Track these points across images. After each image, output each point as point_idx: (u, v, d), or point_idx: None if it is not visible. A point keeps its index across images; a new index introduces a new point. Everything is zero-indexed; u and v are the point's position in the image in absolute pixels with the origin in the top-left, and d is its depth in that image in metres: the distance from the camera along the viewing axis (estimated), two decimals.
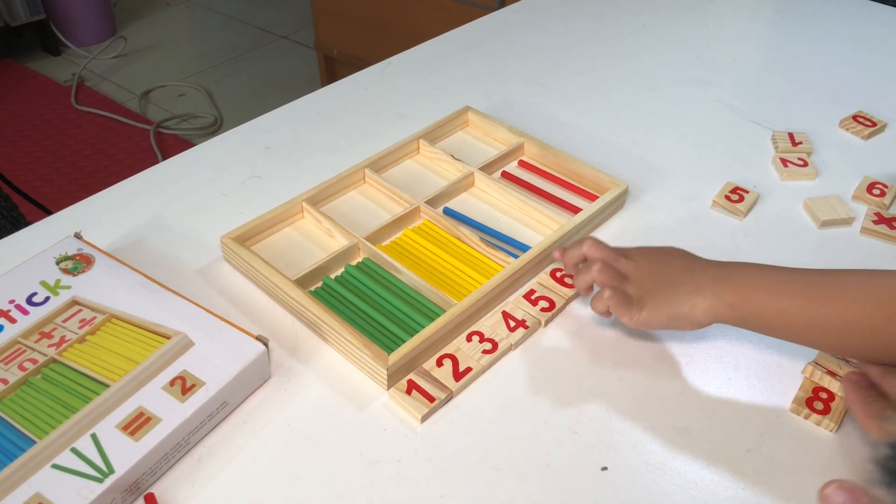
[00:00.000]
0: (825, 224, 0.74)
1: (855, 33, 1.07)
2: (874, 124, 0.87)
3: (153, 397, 0.54)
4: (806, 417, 0.57)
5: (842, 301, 0.54)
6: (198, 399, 0.54)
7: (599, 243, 0.63)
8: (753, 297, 0.56)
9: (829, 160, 0.83)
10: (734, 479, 0.53)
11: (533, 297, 0.66)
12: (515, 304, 0.66)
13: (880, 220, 0.74)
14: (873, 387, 0.54)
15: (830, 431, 0.56)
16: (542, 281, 0.68)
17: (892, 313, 0.52)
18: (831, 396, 0.58)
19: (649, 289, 0.59)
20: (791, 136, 0.85)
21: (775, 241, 0.73)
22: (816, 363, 0.60)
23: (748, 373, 0.60)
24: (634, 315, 0.59)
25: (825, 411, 0.57)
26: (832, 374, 0.59)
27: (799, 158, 0.82)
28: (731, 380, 0.60)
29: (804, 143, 0.84)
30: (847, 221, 0.74)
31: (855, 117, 0.89)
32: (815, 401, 0.57)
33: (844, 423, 0.56)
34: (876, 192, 0.77)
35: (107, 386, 0.54)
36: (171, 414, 0.53)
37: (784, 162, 0.81)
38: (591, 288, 0.62)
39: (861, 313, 0.53)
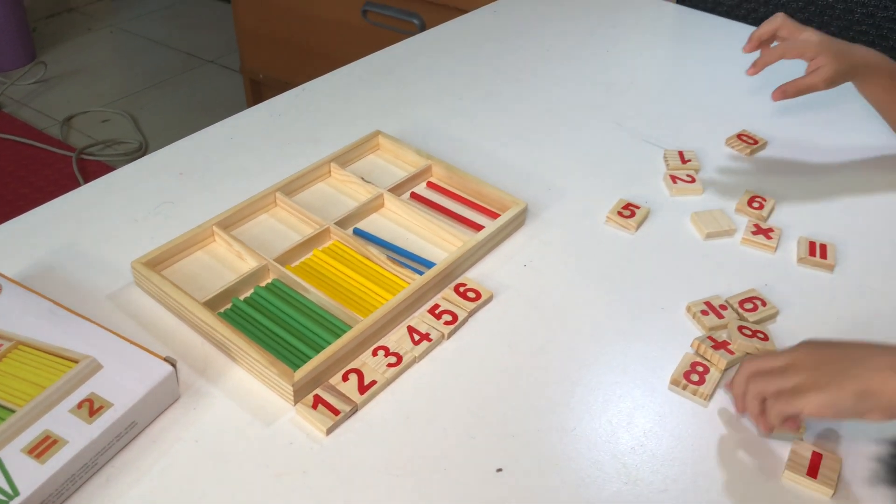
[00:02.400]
0: (710, 236, 0.80)
1: (742, 58, 1.14)
2: (756, 142, 0.94)
3: (60, 420, 0.55)
4: (683, 388, 0.63)
5: None
6: (105, 420, 0.55)
7: (751, 359, 0.59)
8: None
9: (715, 176, 0.89)
10: (618, 475, 0.57)
11: (437, 312, 0.70)
12: (420, 318, 0.69)
13: (758, 230, 0.80)
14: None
15: (704, 400, 0.63)
16: (446, 296, 0.71)
17: None
18: (706, 369, 0.65)
19: (825, 369, 0.53)
20: (681, 154, 0.91)
21: (663, 253, 0.78)
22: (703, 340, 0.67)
23: (635, 376, 0.65)
24: (812, 399, 0.52)
25: (700, 382, 0.63)
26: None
27: (687, 175, 0.88)
28: (617, 383, 0.64)
29: (693, 161, 0.90)
30: (729, 233, 0.80)
31: (739, 136, 0.95)
32: (692, 373, 0.64)
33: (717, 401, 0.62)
34: (756, 205, 0.83)
35: (12, 411, 0.55)
36: (78, 436, 0.54)
37: (674, 178, 0.87)
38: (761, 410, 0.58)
39: None
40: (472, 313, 0.70)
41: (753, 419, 0.58)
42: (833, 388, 0.52)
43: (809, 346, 0.57)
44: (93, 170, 2.14)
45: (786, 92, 0.84)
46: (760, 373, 0.56)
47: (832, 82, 0.84)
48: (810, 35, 0.84)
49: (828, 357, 0.54)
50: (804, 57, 0.84)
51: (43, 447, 0.53)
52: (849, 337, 0.68)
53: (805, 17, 1.24)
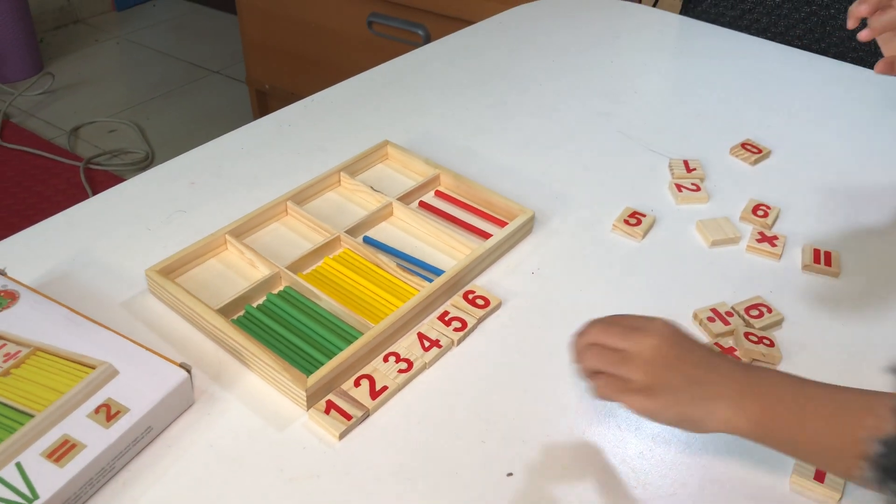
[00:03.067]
0: (715, 244, 0.81)
1: (745, 68, 1.16)
2: (760, 151, 0.95)
3: (78, 425, 0.56)
4: None
5: (874, 421, 0.47)
6: (122, 425, 0.56)
7: (597, 325, 0.57)
8: (781, 414, 0.50)
9: (720, 185, 0.90)
10: (627, 479, 0.58)
11: (447, 318, 0.70)
12: (430, 325, 0.70)
13: (763, 238, 0.81)
14: None
15: None
16: (455, 303, 0.72)
17: None
18: None
19: (660, 377, 0.53)
20: (686, 163, 0.92)
21: (670, 261, 0.79)
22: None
23: None
24: (638, 401, 0.53)
25: None
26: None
27: (692, 184, 0.89)
28: None
29: (697, 170, 0.91)
30: (734, 241, 0.81)
31: (743, 145, 0.96)
32: None
33: None
34: (760, 213, 0.84)
35: (31, 416, 0.56)
36: (96, 440, 0.55)
37: (679, 187, 0.88)
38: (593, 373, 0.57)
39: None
40: (481, 320, 0.71)
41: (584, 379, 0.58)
42: (661, 401, 0.52)
43: (660, 337, 0.54)
44: (100, 179, 2.16)
45: (893, 65, 0.76)
46: (602, 346, 0.55)
47: None
48: None
49: (670, 364, 0.53)
50: None
51: (62, 451, 0.54)
52: (853, 343, 0.69)
53: (807, 27, 1.26)
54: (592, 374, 0.56)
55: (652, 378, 0.53)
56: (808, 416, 0.50)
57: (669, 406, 0.52)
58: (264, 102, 2.24)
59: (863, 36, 0.78)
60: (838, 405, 0.50)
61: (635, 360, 0.54)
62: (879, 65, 0.76)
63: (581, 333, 0.58)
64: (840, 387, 0.51)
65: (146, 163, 2.26)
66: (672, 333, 0.54)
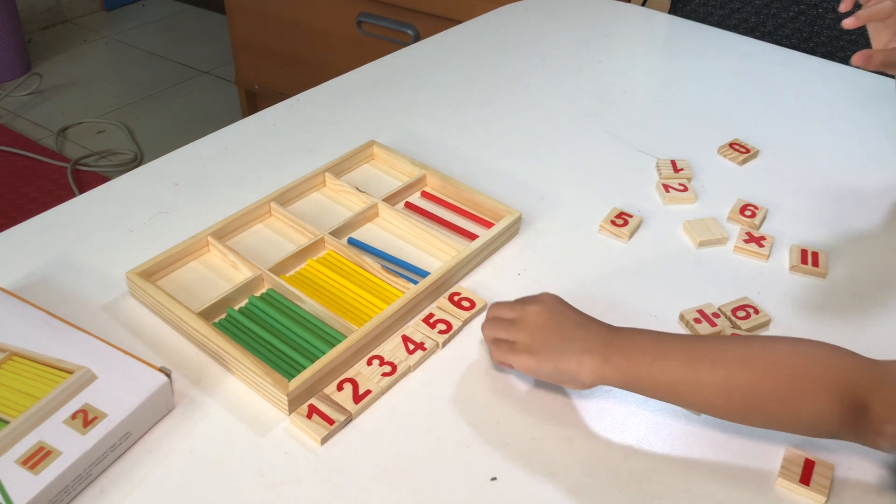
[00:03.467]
0: (702, 244, 0.80)
1: (733, 67, 1.15)
2: (748, 151, 0.95)
3: (54, 431, 0.55)
4: None
5: (722, 361, 0.56)
6: (99, 431, 0.55)
7: (496, 304, 0.66)
8: (639, 358, 0.58)
9: (708, 185, 0.90)
10: (612, 483, 0.57)
11: (432, 321, 0.70)
12: (415, 327, 0.69)
13: (750, 239, 0.80)
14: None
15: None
16: (440, 305, 0.71)
17: (765, 369, 0.56)
18: None
19: (541, 337, 0.61)
20: (673, 163, 0.92)
21: (656, 262, 0.78)
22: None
23: None
24: (523, 360, 0.61)
25: None
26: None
27: (680, 184, 0.88)
28: (610, 391, 0.64)
29: (685, 170, 0.91)
30: (721, 241, 0.81)
31: (731, 145, 0.96)
32: None
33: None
34: (748, 213, 0.84)
35: (6, 423, 0.55)
36: (73, 447, 0.54)
37: (666, 187, 0.87)
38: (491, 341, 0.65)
39: (740, 371, 0.56)
40: (466, 322, 0.70)
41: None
42: (540, 357, 0.60)
43: (542, 305, 0.63)
44: (88, 180, 2.14)
45: (871, 58, 0.74)
46: (496, 319, 0.64)
47: None
48: None
49: (548, 327, 0.61)
50: None
51: (37, 458, 0.53)
52: (839, 343, 0.69)
53: (796, 26, 1.25)
54: (491, 343, 0.64)
55: (533, 339, 0.61)
56: (663, 361, 0.57)
57: (546, 361, 0.60)
58: (254, 103, 2.23)
59: (847, 24, 0.77)
60: (688, 350, 0.58)
61: (520, 325, 0.62)
62: (856, 57, 0.75)
63: (486, 312, 0.66)
64: (692, 336, 0.63)
65: (134, 164, 2.24)
66: (554, 302, 0.63)
